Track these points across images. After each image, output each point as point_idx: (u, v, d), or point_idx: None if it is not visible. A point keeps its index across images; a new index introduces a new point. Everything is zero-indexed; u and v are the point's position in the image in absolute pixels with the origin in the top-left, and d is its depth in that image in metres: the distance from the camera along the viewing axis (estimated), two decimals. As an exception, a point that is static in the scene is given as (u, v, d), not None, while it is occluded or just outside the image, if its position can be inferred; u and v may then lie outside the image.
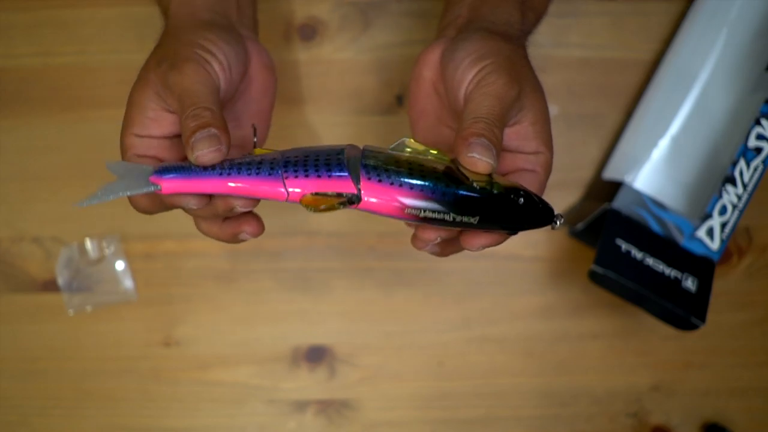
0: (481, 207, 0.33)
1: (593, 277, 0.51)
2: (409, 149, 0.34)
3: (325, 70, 0.58)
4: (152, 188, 0.34)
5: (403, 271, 0.59)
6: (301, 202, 0.33)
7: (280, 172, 0.33)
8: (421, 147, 0.34)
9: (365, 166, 0.33)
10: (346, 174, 0.33)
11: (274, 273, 0.59)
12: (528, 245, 0.59)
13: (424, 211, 0.33)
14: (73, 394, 0.58)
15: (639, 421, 0.60)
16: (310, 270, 0.59)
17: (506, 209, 0.33)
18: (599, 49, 0.59)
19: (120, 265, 0.58)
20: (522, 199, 0.33)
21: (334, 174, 0.33)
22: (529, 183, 0.36)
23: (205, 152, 0.33)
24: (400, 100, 0.58)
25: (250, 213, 0.37)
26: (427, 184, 0.33)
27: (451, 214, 0.33)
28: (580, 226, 0.56)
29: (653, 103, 0.57)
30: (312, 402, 0.59)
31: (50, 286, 0.58)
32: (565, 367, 0.60)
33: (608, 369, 0.60)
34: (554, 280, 0.60)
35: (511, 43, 0.39)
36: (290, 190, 0.33)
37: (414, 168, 0.33)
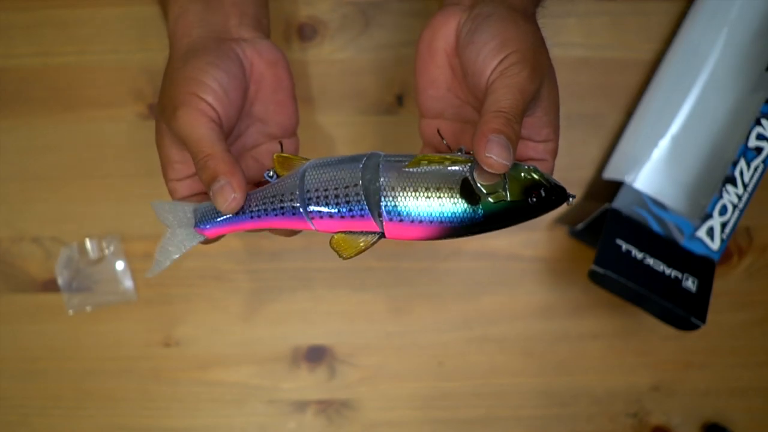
0: (496, 220, 0.35)
1: (593, 277, 0.51)
2: (425, 161, 0.35)
3: (325, 70, 0.58)
4: (201, 238, 0.38)
5: (403, 271, 0.59)
6: (331, 244, 0.36)
7: (302, 212, 0.36)
8: (436, 158, 0.35)
9: (385, 206, 0.34)
10: (368, 214, 0.35)
11: (274, 273, 0.59)
12: (528, 245, 0.59)
13: (444, 236, 0.35)
14: (73, 394, 0.58)
15: (639, 421, 0.60)
16: (310, 270, 0.59)
17: (521, 212, 0.35)
18: (599, 49, 0.59)
19: (120, 265, 0.58)
20: (535, 199, 0.34)
21: (356, 215, 0.35)
22: None
23: (225, 205, 0.35)
24: (400, 100, 0.58)
25: None
26: (445, 215, 0.34)
27: (469, 233, 0.35)
28: (580, 226, 0.56)
29: (653, 103, 0.57)
30: (312, 402, 0.59)
31: (50, 286, 0.58)
32: (565, 367, 0.60)
33: (608, 369, 0.60)
34: (554, 280, 0.60)
35: (532, 23, 0.39)
36: (317, 227, 0.36)
37: (432, 196, 0.34)
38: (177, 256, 0.38)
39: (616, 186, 0.55)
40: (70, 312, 0.58)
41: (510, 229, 0.36)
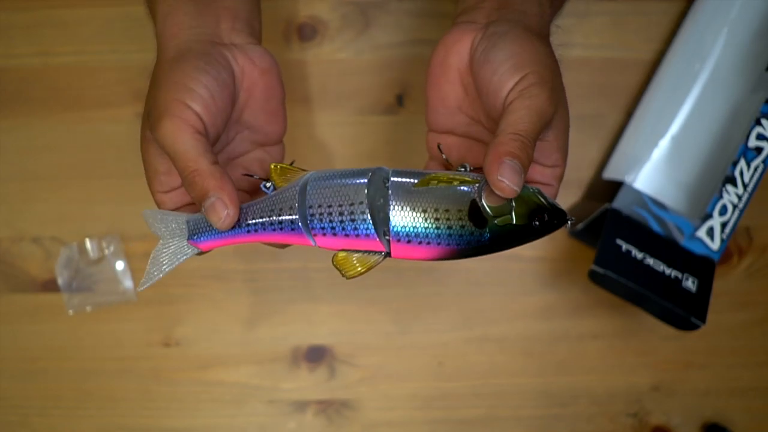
0: (501, 243, 0.35)
1: (593, 277, 0.51)
2: (434, 181, 0.35)
3: (325, 70, 0.58)
4: (195, 251, 0.37)
5: (403, 271, 0.59)
6: (333, 262, 0.36)
7: (301, 227, 0.35)
8: (445, 177, 0.35)
9: (393, 227, 0.34)
10: (373, 234, 0.34)
11: (274, 273, 0.59)
12: (528, 245, 0.59)
13: (449, 257, 0.35)
14: (73, 394, 0.58)
15: (639, 421, 0.60)
16: (311, 270, 0.59)
17: (524, 235, 0.35)
18: (599, 49, 0.59)
19: (120, 265, 0.58)
20: (538, 223, 0.35)
21: (361, 234, 0.34)
22: None
23: (219, 222, 0.35)
24: (400, 99, 0.58)
25: None
26: (453, 237, 0.34)
27: (474, 255, 0.35)
28: (580, 226, 0.56)
29: (653, 103, 0.57)
30: (312, 402, 0.59)
31: (50, 286, 0.58)
32: (565, 367, 0.60)
33: (608, 369, 0.60)
34: (554, 280, 0.60)
35: (547, 45, 0.38)
36: (319, 243, 0.36)
37: (441, 217, 0.34)
38: (169, 269, 0.37)
39: (616, 186, 0.55)
40: (70, 312, 0.58)
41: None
